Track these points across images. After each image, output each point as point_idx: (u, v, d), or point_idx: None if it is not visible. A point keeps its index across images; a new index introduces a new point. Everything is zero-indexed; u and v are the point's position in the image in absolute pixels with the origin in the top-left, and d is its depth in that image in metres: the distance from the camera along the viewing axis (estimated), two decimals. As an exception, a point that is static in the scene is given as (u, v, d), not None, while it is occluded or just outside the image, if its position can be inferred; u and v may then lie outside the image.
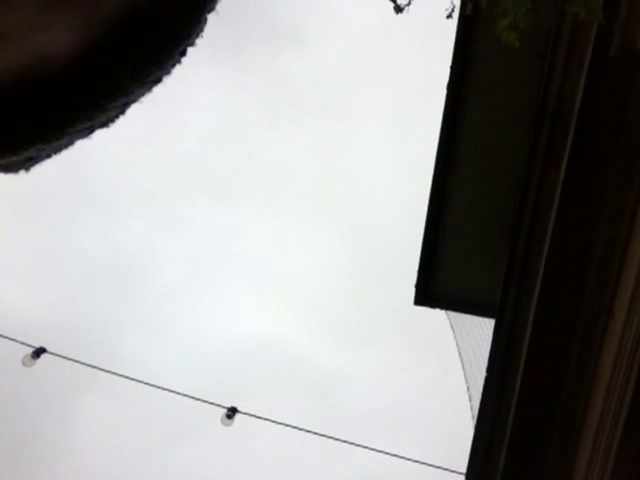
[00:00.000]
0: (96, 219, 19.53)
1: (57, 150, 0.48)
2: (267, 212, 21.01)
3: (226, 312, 19.39)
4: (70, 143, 0.48)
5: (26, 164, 0.48)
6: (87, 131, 0.48)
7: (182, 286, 20.30)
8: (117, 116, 0.49)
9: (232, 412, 5.27)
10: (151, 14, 0.44)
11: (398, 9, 2.35)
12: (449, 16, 3.34)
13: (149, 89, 0.49)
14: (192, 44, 0.49)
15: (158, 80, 0.48)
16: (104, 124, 0.49)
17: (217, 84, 19.17)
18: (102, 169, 18.21)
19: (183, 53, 0.49)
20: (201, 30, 0.49)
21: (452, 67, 5.68)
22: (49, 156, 0.49)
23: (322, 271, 20.18)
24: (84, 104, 0.45)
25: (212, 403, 5.45)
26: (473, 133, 5.75)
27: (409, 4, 2.35)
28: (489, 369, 4.53)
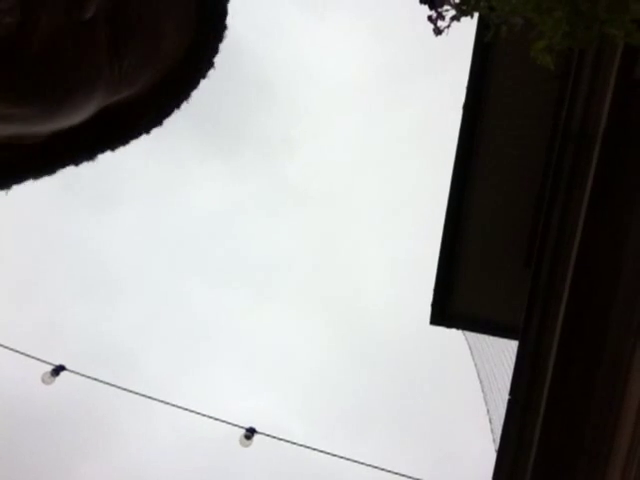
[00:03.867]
0: (91, 300, 19.51)
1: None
2: (262, 298, 21.29)
3: (217, 396, 19.06)
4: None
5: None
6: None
7: (174, 368, 20.10)
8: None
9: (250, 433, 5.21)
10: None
11: (438, 31, 2.35)
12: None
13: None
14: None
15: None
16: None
17: (215, 180, 20.17)
18: (104, 255, 18.59)
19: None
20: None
21: (468, 89, 5.69)
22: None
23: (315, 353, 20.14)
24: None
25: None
26: (490, 152, 5.75)
27: (449, 27, 2.36)
28: (512, 391, 4.47)
